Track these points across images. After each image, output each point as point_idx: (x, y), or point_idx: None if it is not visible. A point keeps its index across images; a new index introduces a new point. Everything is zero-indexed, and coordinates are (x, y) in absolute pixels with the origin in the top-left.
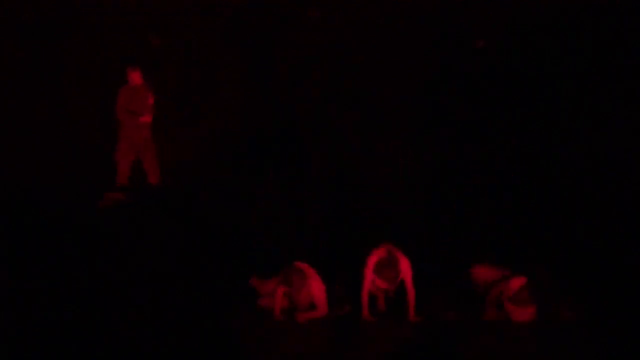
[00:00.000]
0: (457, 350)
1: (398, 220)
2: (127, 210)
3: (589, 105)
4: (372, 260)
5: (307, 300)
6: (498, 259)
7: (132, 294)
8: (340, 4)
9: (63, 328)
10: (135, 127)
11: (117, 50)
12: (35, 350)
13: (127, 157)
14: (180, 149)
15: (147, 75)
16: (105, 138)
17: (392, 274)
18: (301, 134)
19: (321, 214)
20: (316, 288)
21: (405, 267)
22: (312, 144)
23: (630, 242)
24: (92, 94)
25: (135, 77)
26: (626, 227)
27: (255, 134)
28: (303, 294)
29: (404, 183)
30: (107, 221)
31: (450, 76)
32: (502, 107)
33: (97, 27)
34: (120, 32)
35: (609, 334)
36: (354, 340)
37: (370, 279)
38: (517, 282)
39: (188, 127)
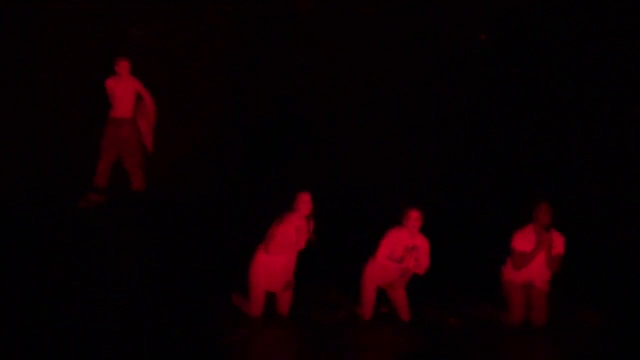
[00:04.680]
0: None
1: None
2: (107, 211)
3: (595, 102)
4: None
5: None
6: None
7: (113, 297)
8: None
9: (40, 330)
10: (113, 124)
11: (101, 44)
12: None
13: (108, 157)
14: (168, 150)
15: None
16: (88, 137)
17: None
18: (294, 131)
19: (317, 216)
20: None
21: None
22: (306, 141)
23: None
24: (75, 91)
25: (121, 70)
26: None
27: (245, 133)
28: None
29: (404, 183)
30: (86, 222)
31: (449, 71)
32: (505, 105)
33: (80, 24)
34: (106, 27)
35: (633, 339)
36: (351, 348)
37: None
38: None
39: (176, 126)
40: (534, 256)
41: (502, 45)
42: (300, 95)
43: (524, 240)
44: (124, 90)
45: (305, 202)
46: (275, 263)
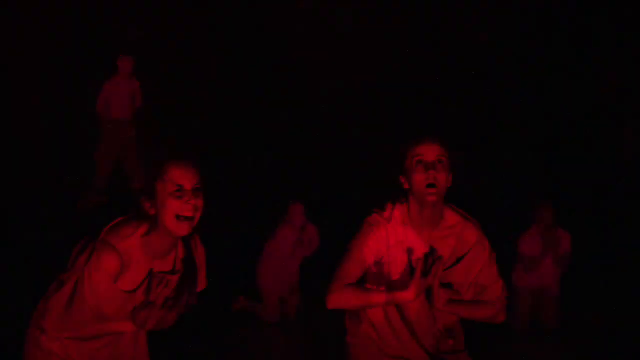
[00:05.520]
0: None
1: None
2: (106, 212)
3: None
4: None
5: None
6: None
7: None
8: None
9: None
10: (116, 124)
11: (101, 44)
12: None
13: (107, 158)
14: (168, 150)
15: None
16: (88, 137)
17: None
18: (293, 131)
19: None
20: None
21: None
22: (306, 141)
23: None
24: (76, 90)
25: (123, 67)
26: None
27: (245, 134)
28: None
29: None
30: (86, 222)
31: (450, 71)
32: (505, 105)
33: (80, 24)
34: (106, 27)
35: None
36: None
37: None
38: None
39: (176, 126)
40: (543, 257)
41: (502, 45)
42: (300, 95)
43: (529, 244)
44: (124, 89)
45: (297, 214)
46: (278, 271)
